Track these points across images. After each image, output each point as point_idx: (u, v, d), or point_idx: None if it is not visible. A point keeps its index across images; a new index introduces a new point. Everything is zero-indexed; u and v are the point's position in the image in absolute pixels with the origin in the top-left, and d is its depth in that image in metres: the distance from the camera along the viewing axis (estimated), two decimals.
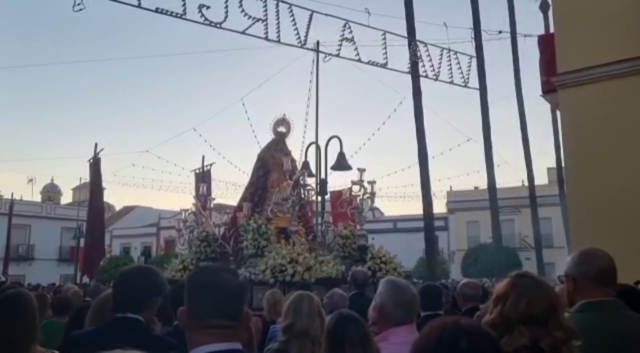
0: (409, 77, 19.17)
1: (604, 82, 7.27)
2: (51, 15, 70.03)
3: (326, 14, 15.52)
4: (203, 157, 21.44)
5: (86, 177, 21.90)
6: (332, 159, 12.70)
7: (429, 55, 17.45)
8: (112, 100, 72.74)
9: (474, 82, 20.01)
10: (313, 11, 15.08)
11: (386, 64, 16.44)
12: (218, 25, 13.53)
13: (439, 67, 17.42)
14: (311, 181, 11.91)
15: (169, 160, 29.34)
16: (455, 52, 17.82)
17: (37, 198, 44.68)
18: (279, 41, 14.52)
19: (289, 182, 10.17)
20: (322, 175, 12.92)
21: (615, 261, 2.42)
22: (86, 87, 71.20)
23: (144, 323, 2.49)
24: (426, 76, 17.86)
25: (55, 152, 75.37)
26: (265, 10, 14.18)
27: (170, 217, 33.14)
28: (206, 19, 13.32)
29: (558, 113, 10.13)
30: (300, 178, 10.31)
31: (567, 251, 15.64)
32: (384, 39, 16.35)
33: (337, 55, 15.83)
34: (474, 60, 19.35)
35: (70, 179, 68.17)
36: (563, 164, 10.12)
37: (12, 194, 34.65)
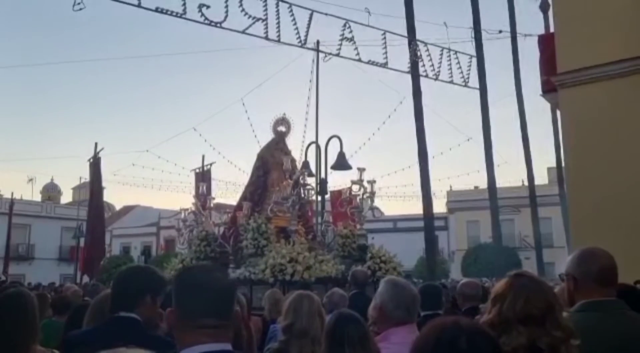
0: (409, 76, 19.18)
1: (604, 81, 7.27)
2: (51, 14, 70.04)
3: (326, 14, 15.56)
4: (203, 157, 21.49)
5: (86, 176, 21.95)
6: (332, 159, 12.72)
7: (429, 54, 17.50)
8: (112, 99, 72.75)
9: (474, 81, 20.05)
10: (313, 11, 15.11)
11: (386, 63, 16.48)
12: (218, 25, 13.56)
13: (439, 67, 17.47)
14: (311, 181, 11.92)
15: (169, 160, 29.38)
16: (456, 52, 17.87)
17: (37, 197, 44.75)
18: (279, 41, 14.55)
19: (289, 182, 10.18)
20: (322, 175, 12.94)
21: (615, 261, 2.42)
22: (86, 87, 71.24)
23: (140, 322, 2.49)
24: (426, 76, 17.91)
25: (55, 151, 75.43)
26: (265, 10, 14.21)
27: (170, 216, 33.11)
28: (206, 19, 13.34)
29: (558, 113, 10.12)
30: (300, 177, 10.32)
31: (567, 251, 15.64)
32: (384, 38, 16.40)
33: (337, 55, 15.87)
34: (474, 60, 19.39)
35: (70, 179, 68.31)
36: (563, 164, 10.12)
37: (12, 194, 34.69)
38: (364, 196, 10.40)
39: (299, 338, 3.17)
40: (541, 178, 35.10)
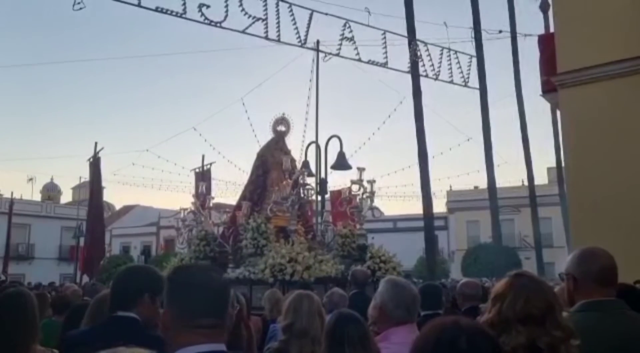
0: (409, 76, 19.19)
1: (604, 81, 7.26)
2: (51, 14, 70.03)
3: (326, 14, 15.56)
4: (203, 156, 21.49)
5: (86, 176, 21.93)
6: (332, 158, 12.73)
7: (429, 54, 17.50)
8: (112, 99, 72.74)
9: (474, 81, 20.06)
10: (313, 10, 15.11)
11: (386, 63, 16.48)
12: (218, 25, 13.55)
13: (439, 67, 17.47)
14: (311, 180, 11.92)
15: (169, 160, 29.42)
16: (456, 52, 17.87)
17: (37, 197, 44.76)
18: (279, 40, 14.55)
19: (289, 181, 10.18)
20: (322, 175, 12.94)
21: (615, 261, 2.42)
22: (86, 87, 71.25)
23: (139, 322, 2.48)
24: (426, 76, 17.91)
25: (55, 151, 75.41)
26: (266, 10, 14.21)
27: (170, 216, 33.13)
28: (206, 18, 13.34)
29: (558, 113, 10.12)
30: (300, 177, 10.32)
31: (567, 251, 15.64)
32: (384, 38, 16.40)
33: (337, 55, 15.87)
34: (474, 60, 19.39)
35: (70, 178, 68.33)
36: (563, 164, 10.12)
37: (12, 193, 34.72)
38: (364, 196, 10.40)
39: (299, 338, 3.17)
40: (541, 178, 35.17)
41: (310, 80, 16.11)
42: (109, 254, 31.91)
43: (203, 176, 19.77)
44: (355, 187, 10.36)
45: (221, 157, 32.57)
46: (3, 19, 63.95)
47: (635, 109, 7.06)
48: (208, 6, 13.30)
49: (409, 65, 18.21)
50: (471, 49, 20.18)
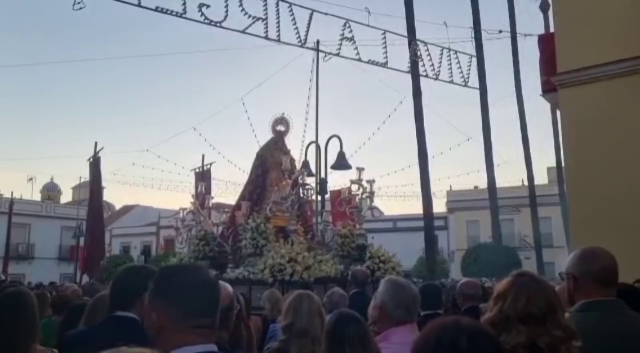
0: (409, 76, 19.19)
1: (604, 81, 7.26)
2: (51, 13, 70.04)
3: (326, 13, 15.55)
4: (203, 156, 21.49)
5: (86, 176, 21.95)
6: (332, 158, 12.72)
7: (429, 54, 17.49)
8: (112, 99, 72.76)
9: (474, 81, 20.05)
10: (313, 10, 15.10)
11: (386, 63, 16.47)
12: (218, 24, 13.54)
13: (439, 67, 17.45)
14: (311, 180, 11.92)
15: (168, 159, 29.45)
16: (456, 52, 17.85)
17: (37, 197, 44.75)
18: (279, 40, 14.53)
19: (288, 181, 10.18)
20: (322, 175, 12.94)
21: (616, 261, 2.42)
22: (86, 86, 71.27)
23: (138, 321, 2.48)
24: (426, 75, 17.90)
25: (55, 151, 75.41)
26: (265, 9, 14.20)
27: (170, 216, 33.12)
28: (206, 18, 13.33)
29: (558, 113, 10.12)
30: (300, 177, 10.32)
31: (567, 251, 15.64)
32: (384, 38, 16.38)
33: (337, 55, 15.86)
34: (474, 60, 19.38)
35: (70, 178, 68.36)
36: (563, 164, 10.12)
37: (12, 193, 34.72)
38: (363, 196, 10.40)
39: (299, 337, 3.17)
40: (541, 178, 35.18)
41: (310, 80, 16.13)
42: (108, 254, 31.91)
43: (203, 176, 19.78)
44: (354, 187, 10.37)
45: (221, 157, 32.61)
46: (3, 19, 64.00)
47: (635, 108, 7.06)
48: (208, 6, 13.29)
49: (409, 65, 18.20)
50: (471, 48, 20.19)
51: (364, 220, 10.66)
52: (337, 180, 28.88)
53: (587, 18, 7.55)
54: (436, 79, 17.59)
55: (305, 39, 15.02)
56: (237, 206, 10.71)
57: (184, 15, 13.13)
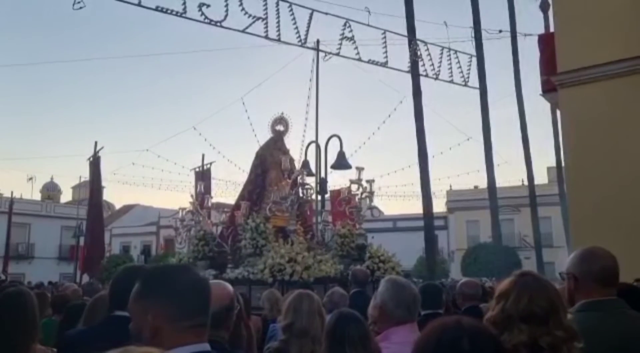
0: (409, 76, 19.18)
1: (604, 81, 7.26)
2: (51, 13, 70.03)
3: (326, 13, 15.53)
4: (203, 156, 21.52)
5: (86, 175, 21.99)
6: (332, 158, 12.72)
7: (429, 54, 17.46)
8: (112, 98, 72.72)
9: (474, 81, 20.02)
10: (313, 10, 15.08)
11: (386, 63, 16.44)
12: (218, 24, 13.53)
13: (439, 66, 17.43)
14: (311, 180, 11.92)
15: (168, 159, 29.46)
16: (456, 51, 17.83)
17: (37, 196, 44.73)
18: (279, 40, 14.51)
19: (288, 181, 10.17)
20: (322, 174, 12.93)
21: (617, 261, 2.42)
22: (86, 86, 71.25)
23: None
24: (426, 75, 17.87)
25: (55, 150, 75.36)
26: (266, 9, 14.18)
27: (170, 215, 33.14)
28: (206, 18, 13.31)
29: (558, 113, 10.12)
30: (299, 177, 10.31)
31: (567, 251, 15.64)
32: (384, 38, 16.36)
33: (338, 54, 15.84)
34: (474, 60, 19.34)
35: (70, 178, 68.41)
36: (563, 164, 10.12)
37: (12, 193, 34.75)
38: (363, 196, 10.39)
39: (299, 337, 3.17)
40: (541, 178, 35.18)
41: (310, 80, 16.12)
42: (108, 254, 31.91)
43: (203, 175, 19.80)
44: (354, 187, 10.36)
45: (221, 157, 32.62)
46: (3, 19, 63.98)
47: (635, 108, 7.06)
48: (208, 5, 13.27)
49: (409, 64, 18.18)
50: (471, 48, 20.16)
51: (363, 220, 10.66)
52: (337, 180, 28.90)
53: (587, 18, 7.55)
54: (436, 78, 17.57)
55: (305, 39, 15.02)
56: (237, 206, 10.70)
57: (184, 15, 13.11)
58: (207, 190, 16.09)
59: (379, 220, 27.44)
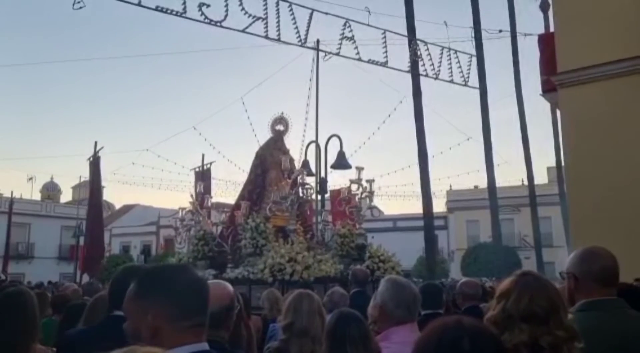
0: (409, 76, 19.17)
1: (604, 81, 7.26)
2: (51, 13, 70.04)
3: (326, 13, 15.50)
4: (203, 156, 21.51)
5: (86, 175, 21.98)
6: (332, 158, 12.72)
7: (429, 54, 17.43)
8: (111, 98, 72.76)
9: (474, 81, 19.99)
10: (313, 10, 15.05)
11: (386, 62, 16.41)
12: (218, 24, 13.50)
13: (439, 66, 17.39)
14: (311, 180, 11.92)
15: (168, 159, 29.47)
16: (456, 51, 17.80)
17: (37, 196, 44.74)
18: (279, 40, 14.49)
19: (288, 181, 10.17)
20: (322, 174, 12.93)
21: (617, 261, 2.42)
22: (86, 86, 71.25)
23: None
24: (426, 75, 17.84)
25: (55, 150, 75.38)
26: (266, 9, 14.16)
27: (170, 215, 33.14)
28: (206, 18, 13.28)
29: (558, 112, 10.12)
30: (299, 177, 10.31)
31: (567, 251, 15.64)
32: (384, 37, 16.33)
33: (338, 54, 15.81)
34: (474, 59, 19.32)
35: (69, 178, 68.41)
36: (563, 163, 10.11)
37: (12, 193, 34.76)
38: (363, 195, 10.39)
39: (299, 337, 3.17)
40: (541, 177, 35.19)
41: (310, 80, 16.13)
42: (108, 253, 31.92)
43: (203, 175, 19.78)
44: (354, 187, 10.36)
45: (221, 157, 32.60)
46: (3, 19, 63.97)
47: (634, 108, 7.06)
48: (208, 5, 13.25)
49: (409, 64, 18.16)
50: (471, 48, 20.13)
51: (363, 220, 10.66)
52: (337, 180, 28.92)
53: (587, 18, 7.55)
54: (436, 78, 17.55)
55: (306, 39, 14.99)
56: (237, 206, 10.70)
57: (184, 15, 13.09)
58: (207, 190, 16.09)
59: (379, 220, 27.45)
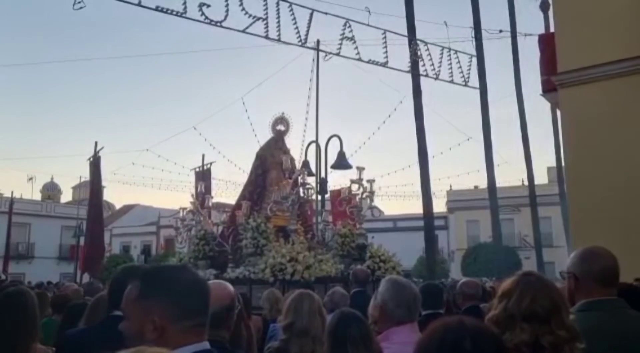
0: (409, 76, 19.15)
1: (604, 81, 7.26)
2: (51, 13, 70.06)
3: (326, 13, 15.50)
4: (203, 156, 21.50)
5: (86, 175, 21.98)
6: (332, 158, 12.73)
7: (429, 54, 17.43)
8: (112, 98, 72.77)
9: (474, 81, 19.97)
10: (314, 10, 15.05)
11: (386, 62, 16.41)
12: (218, 24, 13.50)
13: (439, 66, 17.39)
14: (311, 180, 11.93)
15: (169, 159, 29.49)
16: (456, 51, 17.80)
17: (37, 196, 44.75)
18: (279, 40, 14.49)
19: (288, 181, 10.17)
20: (322, 174, 12.94)
21: (618, 261, 2.42)
22: (86, 86, 71.26)
23: None
24: (426, 75, 17.84)
25: (55, 150, 75.40)
26: (266, 9, 14.16)
27: (170, 215, 33.15)
28: (206, 18, 13.28)
29: (558, 112, 10.12)
30: (300, 176, 10.32)
31: (567, 251, 15.64)
32: (385, 37, 16.33)
33: (338, 54, 15.81)
34: (474, 59, 19.31)
35: (70, 178, 68.42)
36: (563, 163, 10.11)
37: (12, 193, 34.74)
38: (363, 195, 10.40)
39: (300, 337, 3.17)
40: (541, 177, 35.18)
41: (311, 80, 16.16)
42: (108, 254, 31.93)
43: (203, 175, 19.77)
44: (354, 187, 10.37)
45: (221, 157, 32.60)
46: (3, 19, 63.99)
47: (635, 108, 7.06)
48: (208, 5, 13.25)
49: (409, 64, 18.15)
50: (471, 48, 20.11)
51: (364, 220, 10.66)
52: (337, 180, 28.96)
53: (587, 18, 7.55)
54: (436, 78, 17.54)
55: (306, 39, 14.99)
56: (238, 206, 10.70)
57: (184, 15, 13.09)
58: (208, 190, 16.09)
59: (379, 220, 27.45)
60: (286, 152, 11.13)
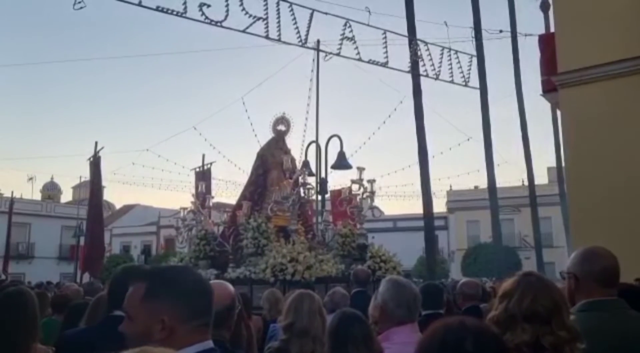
0: (409, 76, 19.15)
1: (604, 81, 7.26)
2: (51, 13, 70.07)
3: (326, 13, 15.52)
4: (203, 156, 21.50)
5: (86, 175, 21.99)
6: (332, 158, 12.73)
7: (429, 54, 17.45)
8: (112, 98, 72.79)
9: (475, 81, 19.99)
10: (314, 10, 15.06)
11: (387, 63, 16.43)
12: (219, 24, 13.51)
13: (440, 66, 17.41)
14: (311, 180, 11.92)
15: (169, 159, 29.50)
16: (456, 51, 17.81)
17: (37, 196, 44.76)
18: (279, 40, 14.50)
19: (289, 181, 10.18)
20: (323, 174, 12.94)
21: (618, 261, 2.42)
22: (86, 86, 71.28)
23: None
24: (427, 75, 17.85)
25: (55, 150, 75.42)
26: (266, 9, 14.17)
27: (170, 215, 33.17)
28: (207, 18, 13.29)
29: (558, 112, 10.12)
30: (300, 177, 10.32)
31: (567, 251, 15.65)
32: (385, 37, 16.34)
33: (338, 54, 15.83)
34: (475, 60, 19.32)
35: (70, 178, 68.41)
36: (563, 163, 10.11)
37: (12, 193, 34.73)
38: (364, 195, 10.40)
39: (300, 337, 3.17)
40: (541, 177, 35.16)
41: (311, 80, 16.18)
42: (109, 253, 31.94)
43: (203, 175, 19.77)
44: (355, 187, 10.37)
45: (221, 157, 32.59)
46: (3, 19, 64.00)
47: (635, 108, 7.06)
48: (209, 5, 13.26)
49: (410, 64, 18.16)
50: (471, 48, 20.12)
51: (364, 220, 10.66)
52: (338, 180, 28.94)
53: (587, 18, 7.55)
54: (437, 78, 17.56)
55: (306, 39, 15.00)
56: (238, 206, 10.70)
57: (184, 15, 13.10)
58: (208, 190, 16.09)
59: (380, 220, 27.45)
60: (287, 152, 11.14)
